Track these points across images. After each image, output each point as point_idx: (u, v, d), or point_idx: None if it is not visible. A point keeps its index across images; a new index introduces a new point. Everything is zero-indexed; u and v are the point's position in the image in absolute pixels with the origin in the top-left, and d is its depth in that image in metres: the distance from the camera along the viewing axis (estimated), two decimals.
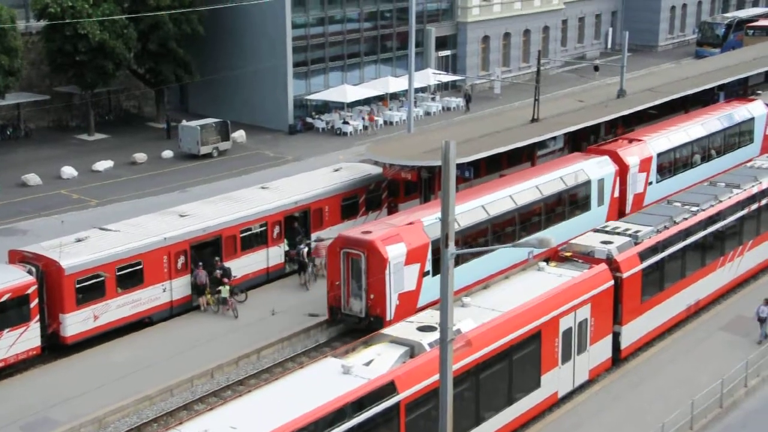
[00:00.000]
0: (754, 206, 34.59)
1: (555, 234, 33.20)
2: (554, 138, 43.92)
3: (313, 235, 36.38)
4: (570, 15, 77.13)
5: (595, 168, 37.83)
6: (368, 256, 29.86)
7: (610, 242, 28.87)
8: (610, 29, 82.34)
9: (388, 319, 29.76)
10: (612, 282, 27.57)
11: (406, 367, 21.87)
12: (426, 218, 31.48)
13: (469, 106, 61.72)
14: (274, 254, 35.56)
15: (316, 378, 21.40)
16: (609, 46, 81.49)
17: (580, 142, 45.75)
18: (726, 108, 46.90)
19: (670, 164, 41.67)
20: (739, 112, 46.14)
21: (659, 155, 40.89)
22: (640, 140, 40.87)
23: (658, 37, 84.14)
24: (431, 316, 23.78)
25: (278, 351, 30.61)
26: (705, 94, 51.37)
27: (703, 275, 32.18)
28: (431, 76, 61.36)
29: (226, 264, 33.38)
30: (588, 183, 37.27)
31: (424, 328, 23.24)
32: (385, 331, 23.88)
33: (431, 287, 30.31)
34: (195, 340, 30.68)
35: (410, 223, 31.28)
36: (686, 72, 55.84)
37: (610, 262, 27.97)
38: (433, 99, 62.32)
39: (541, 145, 43.36)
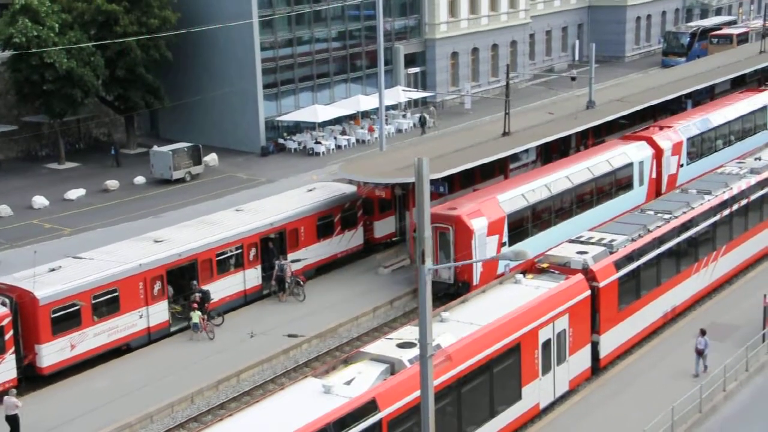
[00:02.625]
0: (726, 212, 35.05)
1: (604, 211, 39.20)
2: (526, 151, 44.34)
3: (290, 256, 36.42)
4: (537, 29, 77.89)
5: (635, 151, 41.91)
6: (456, 229, 33.99)
7: (585, 252, 29.13)
8: (577, 41, 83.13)
9: (474, 284, 33.73)
10: (589, 292, 27.81)
11: (386, 384, 21.92)
12: (500, 195, 36.05)
13: (424, 129, 59.92)
14: (251, 276, 35.53)
15: (297, 399, 21.39)
16: (577, 58, 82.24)
17: (551, 154, 46.21)
18: (741, 97, 51.15)
19: (698, 148, 45.79)
20: (755, 100, 50.48)
21: (689, 140, 44.92)
22: (670, 126, 45.05)
23: (625, 48, 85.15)
24: (410, 333, 23.86)
25: (258, 373, 30.55)
26: (673, 103, 52.04)
27: (678, 282, 32.53)
28: (401, 94, 61.72)
29: (202, 288, 33.32)
30: (630, 165, 41.37)
31: (403, 345, 23.31)
32: (365, 349, 23.93)
33: None
34: (174, 365, 30.56)
35: (488, 200, 35.45)
36: (654, 81, 56.53)
37: (587, 272, 28.22)
38: (404, 116, 62.61)
39: (514, 158, 43.74)
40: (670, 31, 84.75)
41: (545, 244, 33.91)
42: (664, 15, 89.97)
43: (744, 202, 36.14)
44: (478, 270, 34.25)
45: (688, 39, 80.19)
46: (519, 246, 32.62)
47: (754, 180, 37.16)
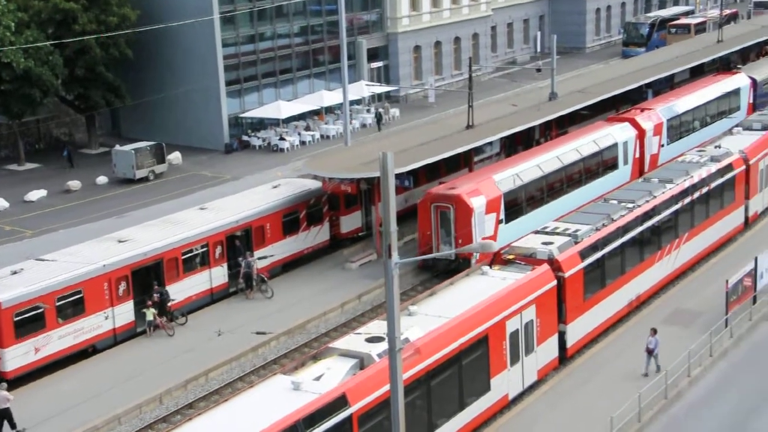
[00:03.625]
0: (687, 200, 35.47)
1: (593, 187, 41.05)
2: (491, 143, 44.53)
3: (256, 253, 36.28)
4: (498, 21, 78.17)
5: (619, 132, 43.80)
6: (456, 207, 35.59)
7: (550, 243, 29.32)
8: (539, 33, 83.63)
9: (474, 260, 34.48)
10: (555, 282, 27.99)
11: (356, 379, 21.92)
12: (496, 175, 37.63)
13: (380, 126, 59.81)
14: (217, 275, 35.35)
15: (266, 396, 21.31)
16: (538, 49, 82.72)
17: (516, 145, 46.43)
18: (716, 79, 53.10)
19: (677, 129, 47.58)
20: (728, 83, 52.37)
21: (668, 121, 46.70)
22: (651, 108, 46.74)
23: (586, 39, 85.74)
24: (379, 327, 23.87)
25: (227, 372, 30.41)
26: (634, 93, 52.53)
27: (642, 270, 32.87)
28: (365, 88, 61.64)
29: (169, 287, 33.10)
30: (615, 145, 43.25)
31: (372, 339, 23.32)
32: (334, 344, 23.90)
33: (505, 233, 36.30)
34: (141, 365, 30.33)
35: (485, 179, 37.02)
36: (614, 72, 57.01)
37: (552, 262, 28.41)
38: (368, 111, 62.57)
39: (478, 150, 43.92)
40: (629, 21, 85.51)
41: (539, 222, 35.09)
42: (624, 6, 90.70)
43: (705, 190, 36.59)
44: None
45: (648, 29, 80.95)
46: (515, 223, 37.27)
47: (714, 168, 37.62)
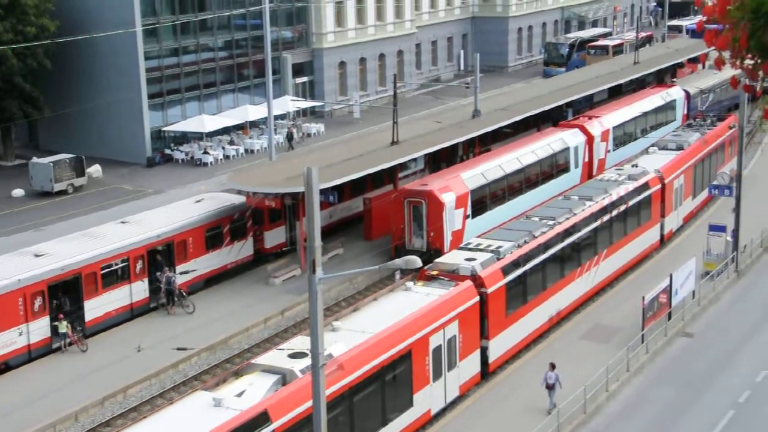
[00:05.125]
0: (606, 217, 36.19)
1: (548, 188, 43.91)
2: (415, 159, 44.81)
3: (178, 268, 35.74)
4: (423, 39, 78.89)
5: (571, 137, 46.72)
6: (428, 202, 37.97)
7: (473, 259, 29.57)
8: (462, 51, 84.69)
9: (445, 251, 36.53)
10: (477, 298, 28.22)
11: (278, 395, 21.71)
12: (464, 173, 40.22)
13: (291, 144, 57.90)
14: (138, 290, 34.70)
15: (186, 413, 20.95)
16: (462, 67, 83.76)
17: (440, 162, 46.81)
18: (653, 92, 56.70)
19: (621, 136, 50.70)
20: (665, 94, 55.84)
21: (614, 128, 49.87)
22: (598, 116, 50.06)
23: (508, 58, 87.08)
24: (302, 342, 23.70)
25: (146, 388, 29.82)
26: (555, 111, 53.53)
27: (562, 286, 33.37)
28: (290, 103, 61.45)
29: (87, 302, 32.36)
30: (567, 149, 46.14)
31: (295, 355, 23.15)
32: (256, 360, 23.65)
33: (472, 227, 38.99)
34: (57, 382, 29.53)
35: (453, 177, 39.51)
36: (536, 91, 58.00)
37: (475, 278, 28.64)
38: (293, 125, 62.30)
39: (403, 166, 44.14)
40: (550, 42, 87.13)
41: (501, 217, 39.11)
42: (545, 26, 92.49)
43: (622, 207, 37.39)
44: (448, 239, 38.21)
45: (567, 50, 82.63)
46: (480, 218, 39.78)
47: (631, 186, 38.51)
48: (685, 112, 56.97)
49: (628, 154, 47.11)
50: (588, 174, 46.97)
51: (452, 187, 38.85)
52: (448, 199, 38.22)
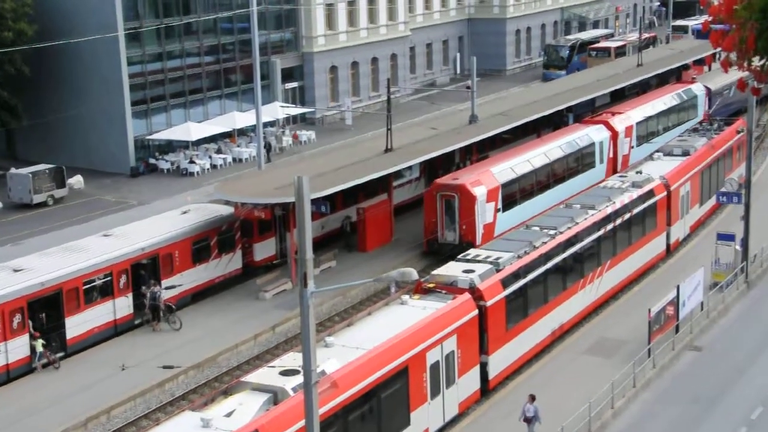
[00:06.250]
0: (609, 226, 36.24)
1: (575, 183, 46.07)
2: (410, 167, 44.86)
3: (163, 282, 35.68)
4: (417, 42, 79.06)
5: (595, 133, 49.12)
6: (461, 196, 40.22)
7: (472, 271, 29.55)
8: (458, 55, 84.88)
9: (477, 243, 38.45)
10: (476, 311, 28.20)
11: (269, 414, 21.66)
12: (493, 168, 42.60)
13: (270, 157, 55.60)
14: (122, 305, 34.63)
15: None
16: (458, 71, 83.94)
17: (436, 170, 46.87)
18: (674, 88, 59.22)
19: (645, 132, 52.75)
20: (683, 92, 58.18)
21: (637, 124, 52.08)
22: (621, 112, 52.19)
23: (506, 61, 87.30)
24: (294, 359, 23.67)
25: (131, 409, 29.74)
26: (555, 116, 53.66)
27: (565, 298, 33.39)
28: (279, 110, 61.50)
29: (69, 319, 32.28)
30: (593, 144, 48.50)
31: (287, 372, 23.11)
32: (246, 378, 23.60)
33: (503, 221, 41.31)
34: (37, 403, 29.43)
35: (484, 171, 41.85)
36: (535, 95, 58.13)
37: (473, 291, 28.62)
38: (283, 133, 62.38)
39: (397, 174, 44.20)
40: (549, 44, 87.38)
41: (530, 212, 41.09)
42: (544, 28, 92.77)
43: (627, 216, 37.46)
44: (480, 232, 40.35)
45: (568, 52, 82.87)
46: (510, 212, 42.04)
47: (635, 194, 38.57)
48: (706, 108, 59.23)
49: (651, 150, 48.45)
50: (613, 169, 49.16)
51: (483, 180, 41.13)
52: (480, 192, 40.46)
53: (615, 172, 47.93)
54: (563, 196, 42.94)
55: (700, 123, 52.51)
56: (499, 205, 41.60)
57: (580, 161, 47.60)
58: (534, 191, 44.11)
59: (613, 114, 52.06)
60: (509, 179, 42.43)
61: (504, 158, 44.55)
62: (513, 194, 42.64)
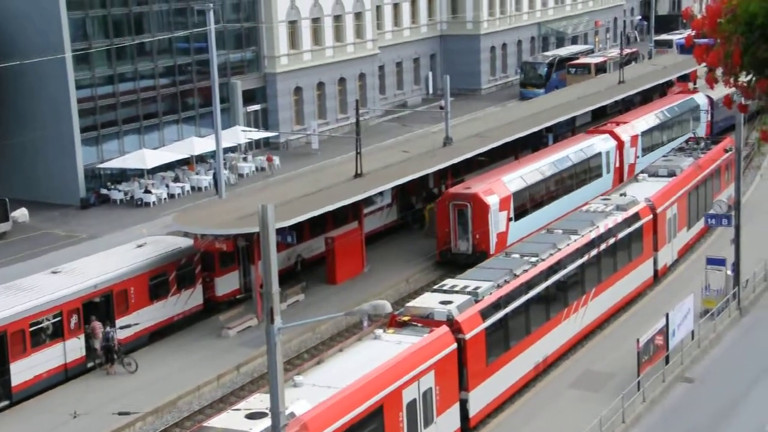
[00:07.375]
0: (593, 252, 36.49)
1: (583, 192, 48.59)
2: (381, 193, 45.00)
3: (118, 322, 35.45)
4: (386, 60, 79.50)
5: (602, 143, 52.07)
6: (473, 205, 42.58)
7: (449, 302, 29.63)
8: (430, 73, 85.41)
9: (491, 252, 41.08)
10: (455, 345, 28.25)
11: None
12: (505, 177, 45.21)
13: (218, 189, 49.94)
14: (73, 348, 34.33)
15: None
16: (430, 91, 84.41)
17: (409, 195, 47.05)
18: (677, 98, 62.64)
19: (650, 141, 55.90)
20: (686, 102, 61.70)
21: (642, 134, 55.07)
22: (626, 122, 55.47)
23: (481, 79, 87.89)
24: (261, 401, 23.58)
25: None
26: (534, 137, 54.09)
27: (548, 330, 33.53)
28: (241, 134, 61.50)
29: (14, 365, 31.96)
30: (599, 154, 51.42)
31: (253, 416, 23.03)
32: (209, 423, 23.47)
33: (515, 230, 43.66)
34: None
35: (496, 181, 44.43)
36: (513, 115, 58.64)
37: (451, 323, 28.68)
38: (245, 159, 62.39)
39: (368, 201, 44.31)
40: (526, 61, 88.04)
41: (541, 221, 43.17)
42: (520, 44, 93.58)
43: (611, 241, 37.74)
44: (493, 241, 42.60)
45: (546, 69, 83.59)
46: (522, 221, 44.33)
47: (620, 217, 38.90)
48: (709, 118, 62.61)
49: (657, 158, 50.66)
50: (619, 179, 51.77)
51: (495, 189, 43.63)
52: (492, 201, 42.89)
53: (621, 181, 50.50)
54: (572, 205, 45.11)
55: (686, 142, 53.12)
56: (511, 214, 43.99)
57: (588, 171, 50.18)
58: (544, 200, 46.77)
59: (618, 123, 55.08)
60: (520, 188, 45.02)
61: (513, 168, 47.09)
62: (524, 203, 45.26)
